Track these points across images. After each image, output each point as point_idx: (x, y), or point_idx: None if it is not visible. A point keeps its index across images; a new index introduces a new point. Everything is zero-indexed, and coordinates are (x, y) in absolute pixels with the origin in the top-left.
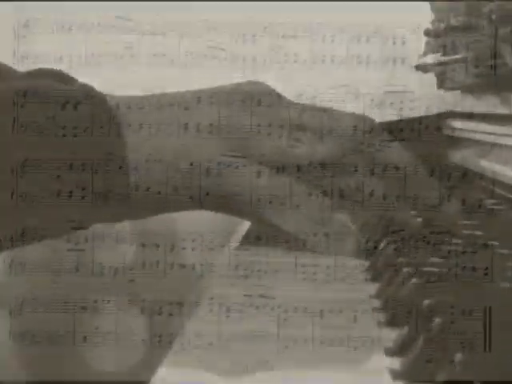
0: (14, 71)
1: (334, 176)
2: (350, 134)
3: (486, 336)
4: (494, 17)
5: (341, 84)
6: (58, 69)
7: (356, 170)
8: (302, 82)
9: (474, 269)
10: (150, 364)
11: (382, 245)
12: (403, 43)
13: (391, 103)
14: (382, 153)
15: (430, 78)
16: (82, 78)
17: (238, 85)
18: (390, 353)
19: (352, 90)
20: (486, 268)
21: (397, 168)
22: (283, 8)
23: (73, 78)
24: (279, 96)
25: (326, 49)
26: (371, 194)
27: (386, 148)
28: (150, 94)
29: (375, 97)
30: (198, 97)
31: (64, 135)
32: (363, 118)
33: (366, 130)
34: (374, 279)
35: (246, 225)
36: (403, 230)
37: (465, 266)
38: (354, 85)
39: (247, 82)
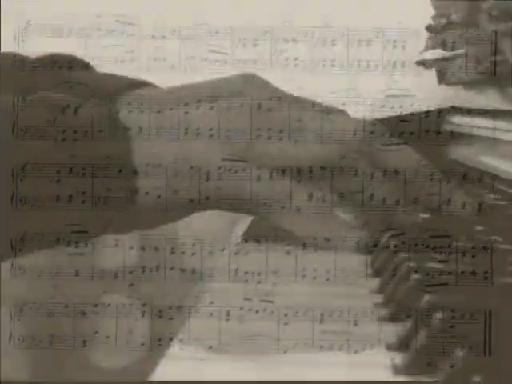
0: (27, 57)
1: (334, 178)
2: (351, 137)
3: (485, 340)
4: (494, 13)
5: (341, 88)
6: (73, 54)
7: (356, 173)
8: (303, 85)
9: (473, 273)
10: (148, 364)
11: (383, 240)
12: (404, 47)
13: (392, 107)
14: (384, 154)
15: (433, 77)
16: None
17: (234, 82)
18: (392, 348)
19: (353, 94)
20: (486, 272)
21: (396, 171)
22: (284, 12)
23: (87, 63)
24: (274, 89)
25: (326, 53)
26: (371, 197)
27: (388, 150)
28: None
29: (376, 101)
30: (198, 100)
31: (64, 139)
32: (364, 122)
33: (367, 133)
34: (375, 274)
35: (247, 221)
36: (403, 234)
37: (464, 270)
38: (355, 89)
39: (241, 76)
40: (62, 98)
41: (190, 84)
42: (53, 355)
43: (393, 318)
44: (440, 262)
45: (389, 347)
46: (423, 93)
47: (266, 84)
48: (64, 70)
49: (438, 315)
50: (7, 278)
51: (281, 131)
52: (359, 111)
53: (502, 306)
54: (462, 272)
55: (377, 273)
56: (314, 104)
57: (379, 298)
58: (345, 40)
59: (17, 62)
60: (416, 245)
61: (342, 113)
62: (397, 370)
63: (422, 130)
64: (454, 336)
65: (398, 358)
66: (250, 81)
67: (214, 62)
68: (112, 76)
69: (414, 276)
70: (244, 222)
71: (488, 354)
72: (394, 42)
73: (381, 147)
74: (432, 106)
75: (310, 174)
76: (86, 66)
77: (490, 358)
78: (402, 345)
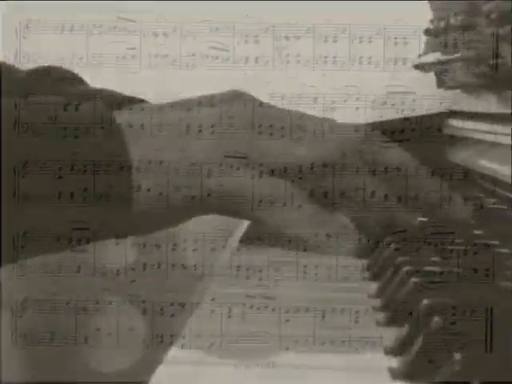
0: (18, 70)
1: (335, 177)
2: (350, 141)
3: (486, 337)
4: (493, 16)
5: (343, 84)
6: (67, 68)
7: (357, 171)
8: (305, 82)
9: (475, 270)
10: (150, 364)
11: (382, 244)
12: (405, 44)
13: (393, 104)
14: (381, 155)
15: (431, 77)
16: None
17: (224, 98)
18: (390, 352)
19: (354, 91)
20: (487, 269)
21: (398, 169)
22: (286, 9)
23: (81, 78)
24: (264, 105)
25: (328, 49)
26: (372, 195)
27: (385, 151)
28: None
29: (377, 97)
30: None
31: (65, 136)
32: (360, 127)
33: (364, 137)
34: (373, 278)
35: (245, 224)
36: (404, 231)
37: (465, 267)
38: (356, 85)
39: (231, 93)
40: (61, 100)
41: (181, 100)
42: (53, 355)
43: (391, 322)
44: (441, 259)
45: (387, 351)
46: (425, 89)
47: (254, 100)
48: (57, 83)
49: (437, 319)
50: (9, 275)
51: (282, 128)
52: (361, 108)
53: (503, 303)
54: (464, 269)
55: (374, 276)
56: (304, 115)
57: (377, 302)
58: (346, 37)
59: (8, 73)
60: (417, 241)
61: (333, 122)
62: (395, 374)
63: (421, 132)
64: (454, 334)
65: (396, 363)
66: (239, 97)
67: (215, 59)
68: (106, 92)
69: (413, 280)
70: (242, 226)
71: (489, 351)
72: (396, 38)
73: (375, 146)
74: (431, 108)
75: (311, 172)
76: (79, 81)
77: (491, 355)
78: (399, 349)
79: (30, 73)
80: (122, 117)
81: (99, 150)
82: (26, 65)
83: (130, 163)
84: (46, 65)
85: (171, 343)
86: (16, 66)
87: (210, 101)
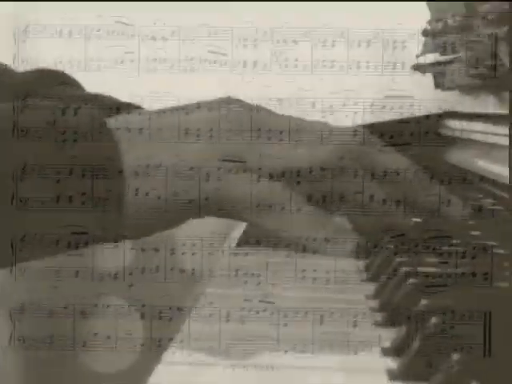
0: (13, 72)
1: (334, 180)
2: (348, 143)
3: (485, 341)
4: (490, 17)
5: (341, 89)
6: (62, 71)
7: (356, 175)
8: (303, 86)
9: (473, 274)
10: (147, 365)
11: (380, 245)
12: (403, 48)
13: (391, 108)
14: (379, 160)
15: (430, 81)
16: (82, 83)
17: (215, 104)
18: (388, 353)
19: (352, 95)
20: (486, 273)
21: (397, 173)
22: (284, 13)
23: (76, 81)
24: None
25: (326, 53)
26: (371, 199)
27: (382, 155)
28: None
29: (376, 101)
30: (198, 103)
31: (64, 140)
32: (358, 131)
33: (362, 141)
34: (371, 279)
35: (243, 225)
36: (403, 235)
37: (464, 272)
38: (355, 89)
39: (222, 99)
40: (59, 104)
41: (175, 107)
42: (50, 358)
43: (388, 323)
44: (438, 263)
45: (384, 352)
46: (422, 95)
47: (250, 106)
48: (53, 86)
49: (434, 319)
50: (7, 279)
51: (280, 132)
52: (359, 112)
53: (502, 307)
54: (463, 273)
55: (372, 278)
56: (302, 120)
57: (375, 303)
58: (344, 41)
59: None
60: (415, 247)
61: (331, 126)
62: (392, 375)
63: (418, 133)
64: (451, 338)
65: (394, 363)
66: (231, 103)
67: (214, 63)
68: (101, 97)
69: (410, 280)
70: (240, 228)
71: (488, 355)
72: (394, 42)
73: (373, 150)
74: (428, 110)
75: (310, 176)
76: (74, 85)
77: (490, 359)
78: (397, 350)
79: (26, 74)
80: (117, 122)
81: (94, 154)
82: (25, 67)
83: (122, 168)
84: (42, 67)
85: (169, 347)
86: (11, 67)
87: (204, 106)
